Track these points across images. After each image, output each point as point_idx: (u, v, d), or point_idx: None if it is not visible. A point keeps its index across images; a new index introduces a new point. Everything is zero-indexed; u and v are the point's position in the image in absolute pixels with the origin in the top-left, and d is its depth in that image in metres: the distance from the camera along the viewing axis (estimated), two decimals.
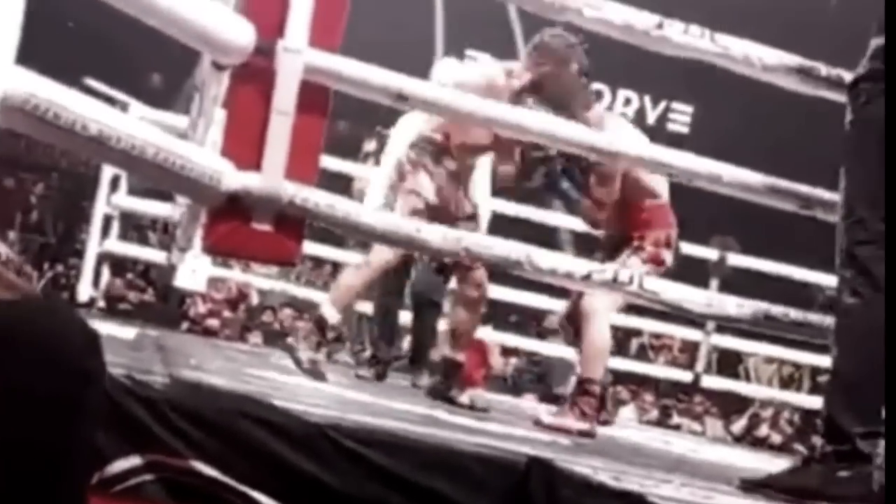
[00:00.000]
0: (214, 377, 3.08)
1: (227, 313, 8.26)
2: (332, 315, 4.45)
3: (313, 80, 2.80)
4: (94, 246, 7.05)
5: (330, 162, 6.10)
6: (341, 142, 7.81)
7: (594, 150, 3.08)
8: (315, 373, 4.20)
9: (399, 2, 6.69)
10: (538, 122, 3.05)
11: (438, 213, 4.23)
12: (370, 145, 6.92)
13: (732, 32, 3.02)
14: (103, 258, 7.15)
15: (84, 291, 7.05)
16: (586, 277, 2.94)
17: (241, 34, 2.73)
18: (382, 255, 4.44)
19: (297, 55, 2.75)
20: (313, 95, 2.83)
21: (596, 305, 4.12)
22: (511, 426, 3.74)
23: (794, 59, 2.96)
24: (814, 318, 3.13)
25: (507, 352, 8.21)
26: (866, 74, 2.52)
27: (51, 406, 0.94)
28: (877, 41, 2.50)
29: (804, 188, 3.07)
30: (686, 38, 2.88)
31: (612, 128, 4.26)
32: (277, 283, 7.55)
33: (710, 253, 7.34)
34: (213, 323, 7.97)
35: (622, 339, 8.82)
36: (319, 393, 3.57)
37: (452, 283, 4.82)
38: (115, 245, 7.13)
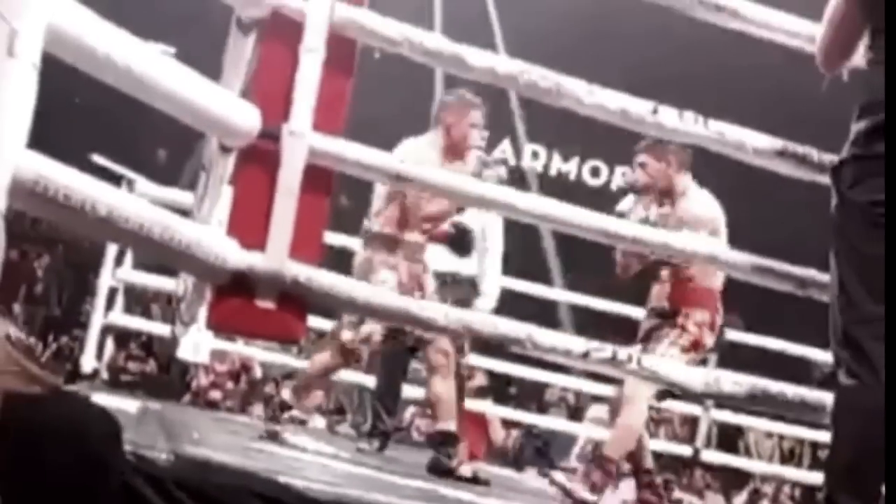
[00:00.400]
0: (218, 452, 3.11)
1: (229, 385, 8.27)
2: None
3: (317, 163, 2.87)
4: (98, 318, 7.09)
5: (333, 238, 6.17)
6: (344, 216, 7.89)
7: (576, 228, 3.12)
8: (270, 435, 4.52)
9: (400, 81, 6.84)
10: (524, 201, 3.11)
11: None
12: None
13: (725, 117, 3.09)
14: (107, 330, 7.19)
15: (87, 363, 7.08)
16: (585, 355, 2.98)
17: (248, 118, 2.82)
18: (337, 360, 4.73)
19: (301, 139, 2.83)
20: (317, 177, 2.90)
21: (636, 392, 4.20)
22: (511, 501, 3.76)
23: (786, 146, 3.02)
24: (811, 395, 3.16)
25: (508, 424, 8.19)
26: (848, 158, 2.58)
27: (75, 496, 0.98)
28: (856, 126, 2.57)
29: (798, 270, 3.12)
30: (680, 123, 2.96)
31: (692, 197, 4.43)
32: (280, 356, 7.58)
33: None
34: (215, 395, 7.97)
35: None
36: (322, 467, 3.59)
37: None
38: (120, 318, 7.18)
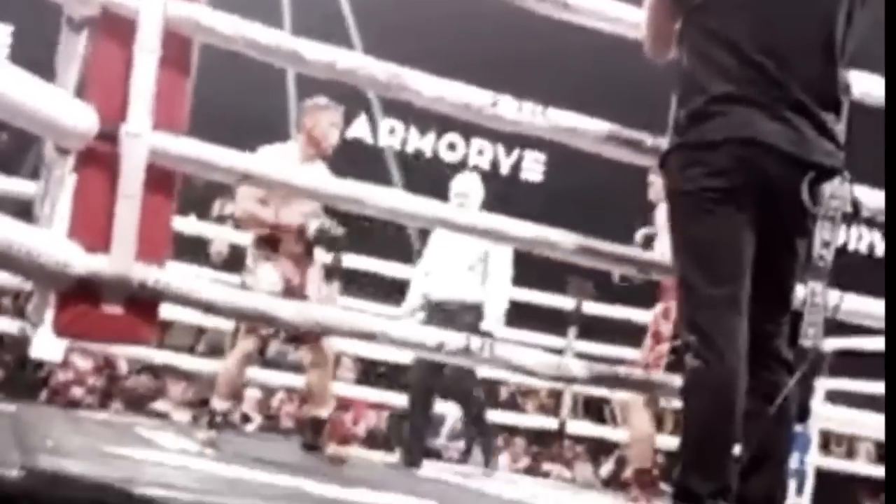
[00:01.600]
0: (73, 461, 3.04)
1: (91, 381, 8.02)
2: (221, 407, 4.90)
3: (159, 163, 2.81)
4: None
5: (185, 224, 6.09)
6: (197, 201, 7.74)
7: (424, 220, 3.13)
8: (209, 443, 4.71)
9: (251, 78, 6.72)
10: (373, 197, 3.11)
11: (287, 294, 4.61)
12: (227, 207, 6.89)
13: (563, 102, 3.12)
14: None
15: None
16: (439, 347, 3.01)
17: (83, 120, 2.72)
18: (244, 345, 4.86)
19: (140, 139, 2.76)
20: (160, 176, 2.84)
21: (635, 400, 4.41)
22: (377, 490, 3.78)
23: (619, 131, 3.08)
24: (658, 377, 3.24)
25: (378, 406, 8.21)
26: (673, 148, 2.66)
27: None
28: (675, 114, 2.64)
29: (641, 253, 3.19)
30: (519, 114, 2.99)
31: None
32: (145, 350, 7.39)
33: (566, 302, 7.57)
34: (76, 392, 7.71)
35: (492, 388, 8.91)
36: (183, 470, 3.53)
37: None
38: None
